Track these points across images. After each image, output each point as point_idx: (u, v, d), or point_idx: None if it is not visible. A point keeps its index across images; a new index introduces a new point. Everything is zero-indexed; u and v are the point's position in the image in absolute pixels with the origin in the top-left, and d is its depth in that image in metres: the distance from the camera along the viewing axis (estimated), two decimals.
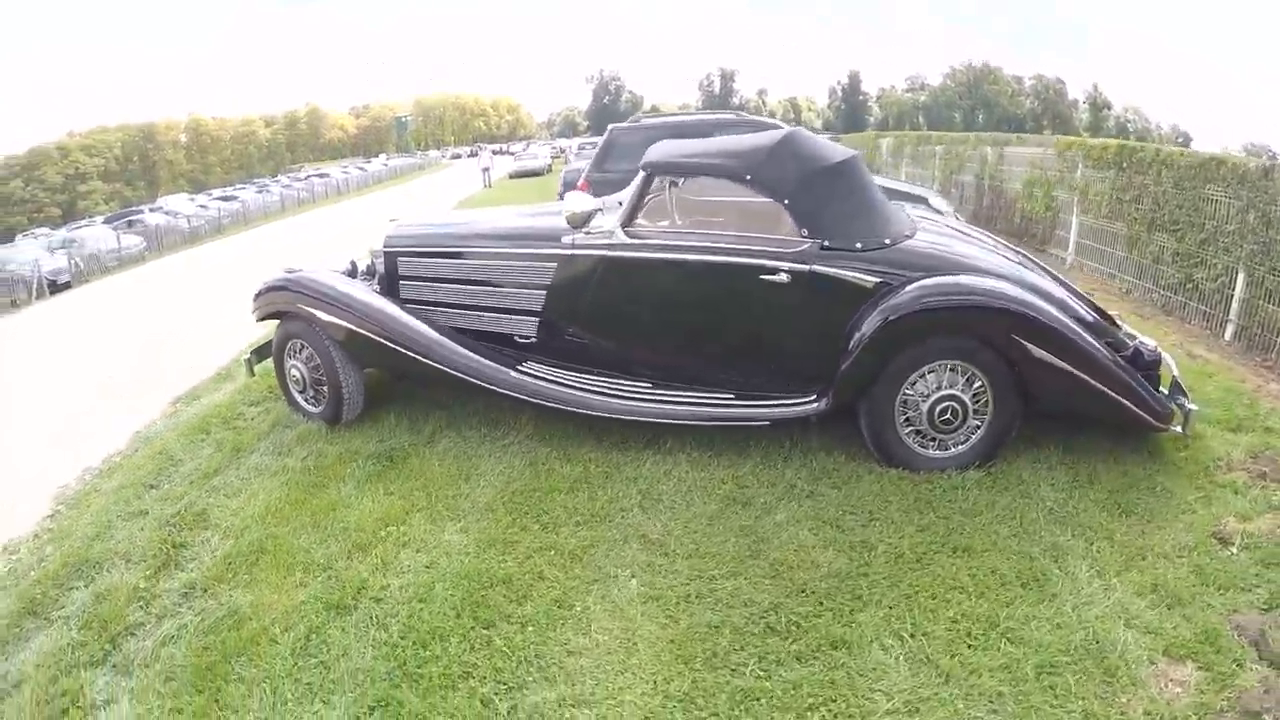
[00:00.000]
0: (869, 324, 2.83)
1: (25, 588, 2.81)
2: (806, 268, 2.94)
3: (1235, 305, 4.66)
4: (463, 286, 3.62)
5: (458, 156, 56.80)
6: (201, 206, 26.91)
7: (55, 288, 14.63)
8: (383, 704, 1.88)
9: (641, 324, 3.30)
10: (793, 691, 1.91)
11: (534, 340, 3.45)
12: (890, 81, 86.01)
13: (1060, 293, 3.12)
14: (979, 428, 2.90)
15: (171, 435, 4.17)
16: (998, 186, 9.43)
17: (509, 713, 1.82)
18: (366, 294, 3.57)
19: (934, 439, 2.92)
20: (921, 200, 5.87)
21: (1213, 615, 2.17)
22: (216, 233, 22.69)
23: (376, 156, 62.02)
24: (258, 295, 3.79)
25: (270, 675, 2.07)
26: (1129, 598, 2.26)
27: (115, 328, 9.58)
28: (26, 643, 2.51)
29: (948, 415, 2.87)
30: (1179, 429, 2.89)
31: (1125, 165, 6.15)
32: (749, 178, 3.12)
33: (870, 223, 3.06)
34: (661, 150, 3.38)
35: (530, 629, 2.10)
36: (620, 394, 3.15)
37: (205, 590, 2.55)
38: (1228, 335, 4.73)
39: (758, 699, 1.88)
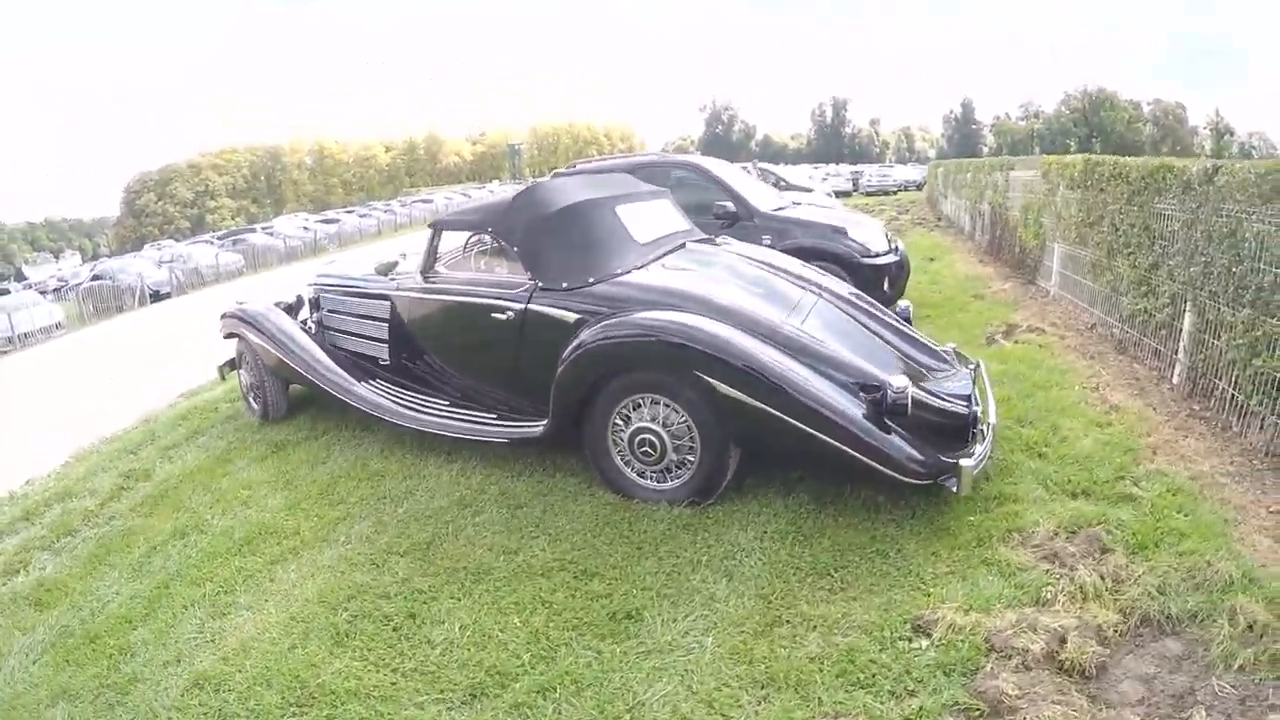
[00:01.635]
0: (560, 359, 3.32)
1: (27, 505, 4.57)
2: (524, 306, 3.60)
3: (1184, 340, 4.15)
4: (353, 319, 4.95)
5: None
6: (304, 228, 31.38)
7: (157, 297, 18.08)
8: (163, 585, 3.27)
9: (435, 353, 4.40)
10: (352, 634, 2.67)
11: (389, 363, 4.69)
12: (1005, 109, 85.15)
13: (804, 331, 3.24)
14: (693, 464, 3.18)
15: (163, 419, 5.97)
16: (1004, 214, 9.36)
17: (212, 604, 3.07)
18: (279, 321, 4.91)
19: (655, 471, 3.26)
20: (806, 190, 6.41)
21: (808, 710, 2.07)
22: (312, 253, 26.54)
23: (490, 183, 67.95)
24: (221, 318, 5.35)
25: (123, 565, 3.55)
26: (717, 664, 2.27)
27: (177, 334, 12.19)
28: (16, 535, 4.21)
29: (646, 447, 3.22)
30: (954, 486, 2.79)
31: (1089, 183, 5.77)
32: (490, 230, 3.92)
33: (583, 263, 3.54)
34: (448, 210, 4.69)
35: (260, 560, 3.34)
36: (423, 409, 4.06)
37: (122, 516, 4.13)
38: (1175, 377, 4.23)
39: (334, 629, 2.70)
